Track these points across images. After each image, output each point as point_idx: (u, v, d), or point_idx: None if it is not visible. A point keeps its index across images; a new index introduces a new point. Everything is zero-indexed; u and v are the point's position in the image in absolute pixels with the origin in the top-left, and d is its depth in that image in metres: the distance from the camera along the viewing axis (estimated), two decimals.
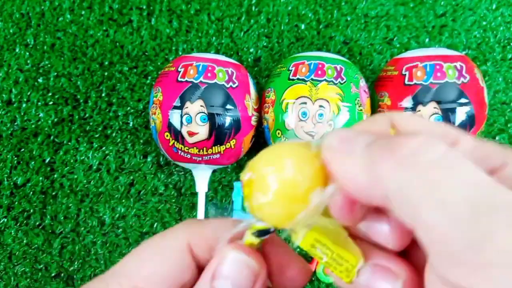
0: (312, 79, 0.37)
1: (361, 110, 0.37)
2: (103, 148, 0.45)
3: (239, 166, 0.44)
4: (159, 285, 0.17)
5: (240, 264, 0.17)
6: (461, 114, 0.36)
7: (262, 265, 0.17)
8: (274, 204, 0.16)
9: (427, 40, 0.47)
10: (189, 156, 0.38)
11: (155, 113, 0.38)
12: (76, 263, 0.43)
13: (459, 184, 0.13)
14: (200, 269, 0.18)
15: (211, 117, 0.36)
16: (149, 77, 0.46)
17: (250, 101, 0.39)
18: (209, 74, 0.37)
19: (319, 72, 0.37)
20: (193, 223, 0.18)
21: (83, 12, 0.48)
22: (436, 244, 0.13)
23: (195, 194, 0.43)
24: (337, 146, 0.15)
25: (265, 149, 0.17)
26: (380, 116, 0.17)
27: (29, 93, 0.46)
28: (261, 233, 0.17)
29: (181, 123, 0.36)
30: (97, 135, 0.45)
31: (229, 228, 0.18)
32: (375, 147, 0.14)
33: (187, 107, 0.36)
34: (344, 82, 0.37)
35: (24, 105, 0.46)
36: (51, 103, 0.46)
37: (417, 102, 0.36)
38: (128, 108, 0.46)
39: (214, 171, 0.43)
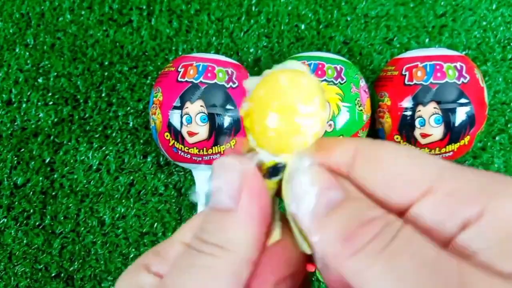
0: None
1: (361, 110, 0.37)
2: (103, 148, 0.45)
3: None
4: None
5: (224, 166, 0.17)
6: (461, 114, 0.36)
7: (247, 161, 0.17)
8: (277, 128, 0.16)
9: (427, 40, 0.47)
10: (189, 156, 0.38)
11: (155, 113, 0.38)
12: (76, 263, 0.43)
13: (413, 268, 0.13)
14: None
15: (211, 117, 0.36)
16: (149, 77, 0.46)
17: None
18: (209, 74, 0.37)
19: (319, 72, 0.37)
20: None
21: (83, 12, 0.48)
22: None
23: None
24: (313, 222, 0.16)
25: (260, 80, 0.17)
26: (347, 143, 0.17)
27: (29, 93, 0.46)
28: (272, 172, 0.17)
29: (181, 123, 0.36)
30: (97, 135, 0.45)
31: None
32: (339, 225, 0.15)
33: (187, 107, 0.36)
34: (344, 82, 0.37)
35: (24, 105, 0.46)
36: (51, 103, 0.46)
37: (417, 102, 0.36)
38: (128, 108, 0.46)
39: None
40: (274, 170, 0.17)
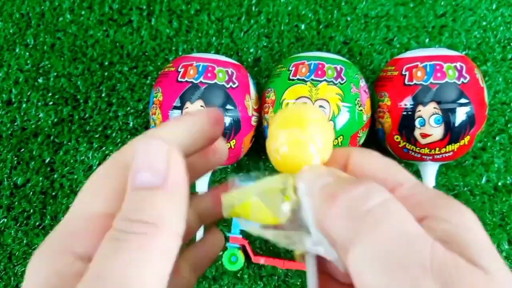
0: (312, 79, 0.37)
1: (361, 110, 0.37)
2: (103, 148, 0.45)
3: (239, 166, 0.44)
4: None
5: (149, 147, 0.17)
6: (461, 114, 0.36)
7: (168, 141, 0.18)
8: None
9: (427, 40, 0.47)
10: None
11: (155, 113, 0.38)
12: None
13: (390, 237, 0.15)
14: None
15: None
16: (149, 77, 0.46)
17: (250, 101, 0.39)
18: (209, 74, 0.37)
19: (319, 72, 0.37)
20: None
21: (83, 12, 0.48)
22: None
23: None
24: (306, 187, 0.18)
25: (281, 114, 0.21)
26: (340, 151, 0.20)
27: (29, 93, 0.46)
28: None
29: None
30: (97, 135, 0.45)
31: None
32: (325, 190, 0.17)
33: (187, 108, 0.36)
34: (344, 82, 0.37)
35: (24, 105, 0.46)
36: (51, 103, 0.46)
37: (417, 102, 0.36)
38: (128, 108, 0.46)
39: (214, 171, 0.43)
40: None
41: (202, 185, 0.41)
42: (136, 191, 0.16)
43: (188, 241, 0.24)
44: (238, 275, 0.43)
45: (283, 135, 0.19)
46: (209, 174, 0.41)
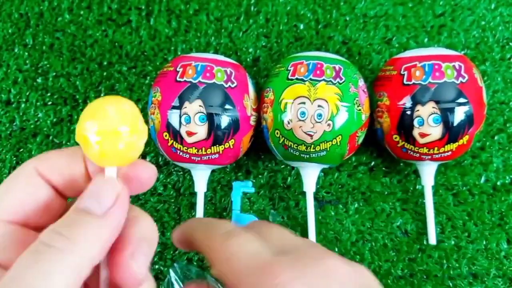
0: (310, 79, 0.37)
1: (359, 110, 0.37)
2: None
3: (238, 166, 0.44)
4: (10, 208, 0.19)
5: (105, 182, 0.19)
6: (459, 113, 0.36)
7: (124, 185, 0.20)
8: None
9: (426, 40, 0.47)
10: (188, 156, 0.38)
11: (153, 113, 0.38)
12: None
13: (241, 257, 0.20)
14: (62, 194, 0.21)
15: (209, 117, 0.36)
16: (148, 77, 0.46)
17: (249, 101, 0.39)
18: (207, 74, 0.37)
19: (318, 72, 0.37)
20: (42, 154, 0.21)
21: (82, 12, 0.48)
22: None
23: (194, 194, 0.43)
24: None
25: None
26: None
27: (28, 93, 0.46)
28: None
29: (180, 123, 0.36)
30: None
31: (81, 157, 0.21)
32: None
33: (185, 107, 0.36)
34: (343, 82, 0.37)
35: (23, 105, 0.46)
36: (50, 103, 0.46)
37: (416, 101, 0.36)
38: None
39: (213, 171, 0.43)
40: None
41: (201, 185, 0.40)
42: (76, 212, 0.18)
43: None
44: None
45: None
46: (208, 174, 0.41)
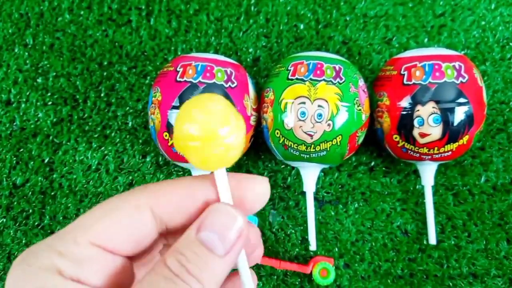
0: (311, 79, 0.37)
1: (360, 110, 0.37)
2: (102, 148, 0.45)
3: (238, 166, 0.44)
4: (115, 240, 0.18)
5: (228, 216, 0.18)
6: (459, 113, 0.36)
7: (245, 219, 0.19)
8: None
9: (426, 40, 0.47)
10: None
11: (154, 113, 0.38)
12: None
13: None
14: (169, 231, 0.20)
15: None
16: (148, 77, 0.46)
17: (249, 101, 0.39)
18: (208, 74, 0.37)
19: (318, 72, 0.37)
20: (153, 185, 0.20)
21: (82, 12, 0.48)
22: None
23: None
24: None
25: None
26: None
27: (28, 93, 0.46)
28: None
29: None
30: (96, 135, 0.45)
31: (197, 189, 0.20)
32: None
33: None
34: (343, 82, 0.37)
35: (23, 105, 0.46)
36: (50, 103, 0.46)
37: (416, 101, 0.36)
38: (127, 108, 0.46)
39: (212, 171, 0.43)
40: None
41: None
42: (199, 244, 0.18)
43: None
44: None
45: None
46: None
